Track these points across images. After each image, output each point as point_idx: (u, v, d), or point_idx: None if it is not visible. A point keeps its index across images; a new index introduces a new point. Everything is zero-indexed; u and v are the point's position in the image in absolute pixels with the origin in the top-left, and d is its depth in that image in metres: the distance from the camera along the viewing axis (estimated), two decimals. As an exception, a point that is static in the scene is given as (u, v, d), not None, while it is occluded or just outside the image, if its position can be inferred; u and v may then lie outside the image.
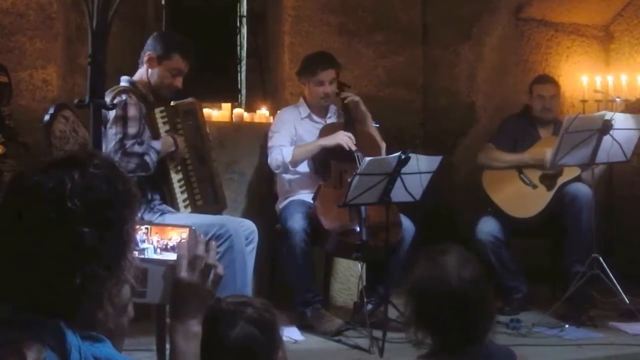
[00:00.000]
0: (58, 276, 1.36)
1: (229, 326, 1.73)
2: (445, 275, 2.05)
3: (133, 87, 3.86)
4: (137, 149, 3.66)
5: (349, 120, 4.63)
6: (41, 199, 1.36)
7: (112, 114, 3.66)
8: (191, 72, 3.98)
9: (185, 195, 3.88)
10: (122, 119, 3.68)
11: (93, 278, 1.38)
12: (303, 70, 4.68)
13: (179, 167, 3.89)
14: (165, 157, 3.81)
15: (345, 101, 4.64)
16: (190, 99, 4.06)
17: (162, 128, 3.84)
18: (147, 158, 3.66)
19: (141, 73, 3.93)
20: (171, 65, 3.87)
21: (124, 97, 3.72)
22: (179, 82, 3.90)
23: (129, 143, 3.65)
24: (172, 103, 3.95)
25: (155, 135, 3.81)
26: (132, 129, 3.69)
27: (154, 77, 3.89)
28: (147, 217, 3.74)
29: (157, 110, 3.83)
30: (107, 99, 3.66)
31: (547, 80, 5.17)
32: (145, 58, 3.89)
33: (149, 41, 3.95)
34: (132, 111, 3.71)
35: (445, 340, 2.07)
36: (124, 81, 3.91)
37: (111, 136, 3.67)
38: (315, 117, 4.70)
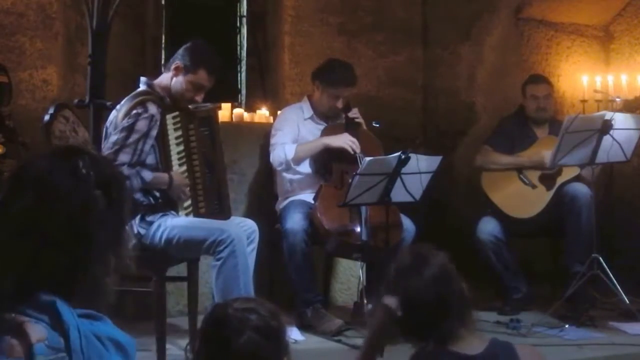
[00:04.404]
0: (70, 241, 1.45)
1: (236, 334, 1.72)
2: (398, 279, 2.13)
3: (151, 90, 3.83)
4: (124, 170, 3.60)
5: (350, 122, 4.62)
6: (57, 168, 1.48)
7: (122, 123, 3.66)
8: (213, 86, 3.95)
9: (188, 202, 3.86)
10: (128, 131, 3.65)
11: (100, 246, 1.48)
12: (323, 76, 4.59)
13: (186, 174, 3.87)
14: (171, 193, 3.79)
15: (351, 116, 4.58)
16: (209, 105, 4.02)
17: (173, 134, 3.82)
18: (127, 182, 3.62)
19: (165, 78, 3.88)
20: (195, 79, 3.82)
21: (139, 109, 3.68)
22: (199, 97, 3.87)
23: (122, 159, 3.61)
24: (190, 106, 3.91)
25: (164, 141, 3.77)
26: (131, 143, 3.65)
27: (176, 86, 3.84)
28: (148, 217, 3.73)
29: (169, 116, 3.80)
30: (125, 107, 3.66)
31: (540, 80, 5.16)
32: (173, 66, 3.85)
33: (181, 50, 3.89)
34: (140, 124, 3.67)
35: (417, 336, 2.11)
36: (142, 83, 3.87)
37: (110, 143, 3.64)
38: (317, 119, 4.69)
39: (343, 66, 4.65)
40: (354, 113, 4.58)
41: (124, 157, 3.65)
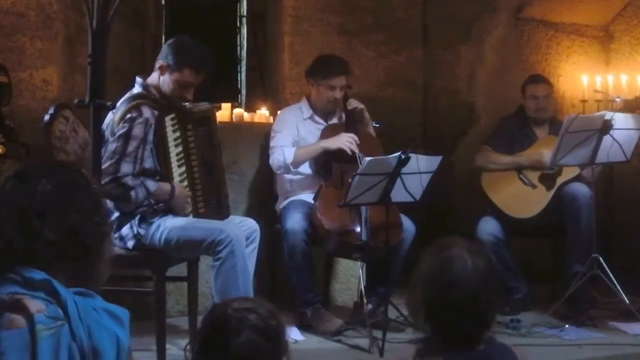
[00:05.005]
0: (63, 235, 1.65)
1: (234, 334, 1.72)
2: (458, 269, 2.06)
3: (146, 92, 3.81)
4: (129, 181, 3.61)
5: (351, 121, 4.62)
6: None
7: (118, 128, 3.65)
8: (209, 83, 3.92)
9: None
10: (126, 138, 3.63)
11: (89, 237, 1.69)
12: (315, 71, 4.61)
13: (185, 175, 3.86)
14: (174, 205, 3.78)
15: (349, 108, 4.61)
16: (206, 105, 3.99)
17: (172, 135, 3.81)
18: (132, 193, 3.61)
19: (154, 77, 3.85)
20: (181, 78, 3.76)
21: (134, 114, 3.67)
22: (189, 94, 3.81)
23: (124, 169, 3.61)
24: (187, 105, 3.89)
25: (163, 143, 3.77)
26: (131, 150, 3.63)
27: (164, 85, 3.80)
28: (148, 217, 3.73)
29: (167, 117, 3.78)
30: (121, 109, 3.65)
31: (540, 80, 5.16)
32: (157, 65, 3.81)
33: (165, 47, 3.85)
34: (137, 130, 3.65)
35: (448, 335, 2.08)
36: (137, 84, 3.85)
37: (109, 153, 3.61)
38: (317, 118, 4.68)
39: (331, 57, 4.72)
40: (353, 103, 4.60)
41: (126, 168, 3.63)
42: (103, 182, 3.48)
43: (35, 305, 1.55)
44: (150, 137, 3.70)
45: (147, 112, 3.70)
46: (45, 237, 1.64)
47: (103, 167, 3.51)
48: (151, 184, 3.70)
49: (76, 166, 1.80)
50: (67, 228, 1.66)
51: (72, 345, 1.55)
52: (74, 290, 1.62)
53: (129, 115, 3.67)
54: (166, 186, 3.74)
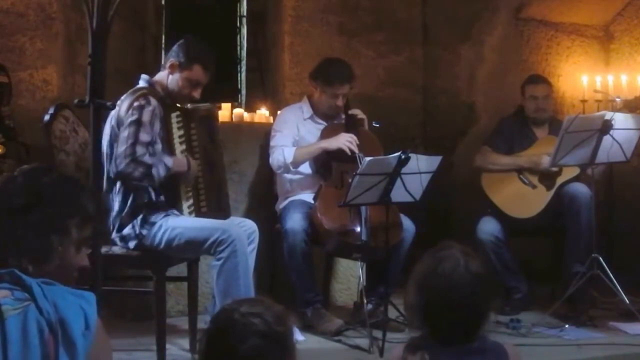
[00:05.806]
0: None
1: (240, 340, 1.73)
2: (454, 269, 2.08)
3: (152, 88, 3.85)
4: (147, 159, 3.64)
5: (351, 121, 4.63)
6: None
7: (127, 116, 3.68)
8: (209, 83, 3.97)
9: (190, 202, 3.86)
10: (137, 124, 3.66)
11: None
12: (320, 76, 4.59)
13: None
14: (179, 179, 3.79)
15: (350, 112, 4.62)
16: (208, 105, 4.06)
17: (177, 133, 3.83)
18: (154, 170, 3.65)
19: (162, 76, 3.91)
20: (191, 75, 3.85)
21: (142, 102, 3.71)
22: (197, 93, 3.89)
23: (140, 151, 3.64)
24: (189, 106, 3.93)
25: (169, 139, 3.79)
26: (144, 135, 3.66)
27: (173, 83, 3.87)
28: (150, 218, 3.73)
29: (173, 115, 3.81)
30: (126, 101, 3.68)
31: (539, 80, 5.15)
32: (168, 64, 3.88)
33: (175, 47, 3.92)
34: (146, 116, 3.68)
35: (442, 334, 2.09)
36: (143, 80, 3.90)
37: (123, 139, 3.64)
38: (317, 119, 4.68)
39: (338, 63, 4.67)
40: (355, 111, 4.60)
41: (141, 151, 3.66)
42: (124, 164, 3.59)
43: (1, 292, 1.68)
44: (157, 127, 3.73)
45: (154, 101, 3.75)
46: (17, 235, 1.77)
47: (119, 151, 3.61)
48: (168, 160, 3.73)
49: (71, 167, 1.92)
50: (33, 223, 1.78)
51: (40, 319, 1.67)
52: (39, 280, 1.73)
53: (136, 103, 3.70)
54: (181, 160, 3.79)
